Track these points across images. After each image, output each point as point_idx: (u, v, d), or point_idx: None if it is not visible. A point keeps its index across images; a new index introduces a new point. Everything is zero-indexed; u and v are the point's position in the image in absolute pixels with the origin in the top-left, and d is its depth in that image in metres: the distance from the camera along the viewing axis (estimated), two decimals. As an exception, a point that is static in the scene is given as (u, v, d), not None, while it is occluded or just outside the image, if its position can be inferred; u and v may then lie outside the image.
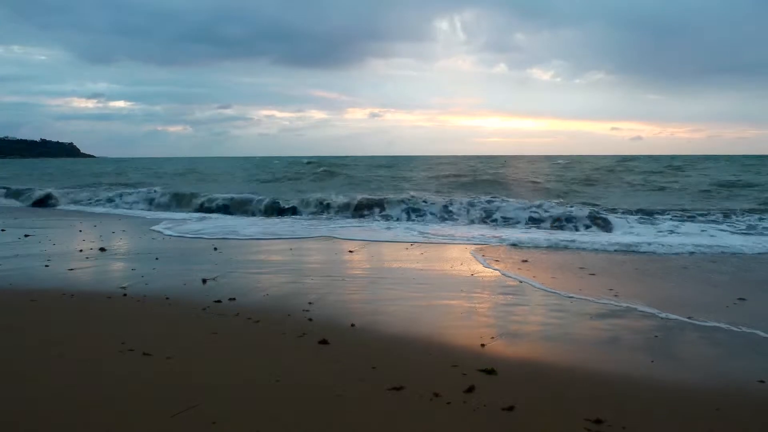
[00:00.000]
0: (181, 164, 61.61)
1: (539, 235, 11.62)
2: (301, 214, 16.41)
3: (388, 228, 13.21)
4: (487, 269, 7.99)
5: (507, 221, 14.01)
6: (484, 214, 14.61)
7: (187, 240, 11.21)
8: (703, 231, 12.19)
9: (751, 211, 14.97)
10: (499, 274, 7.66)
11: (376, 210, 15.88)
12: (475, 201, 15.75)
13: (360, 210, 16.05)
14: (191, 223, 14.35)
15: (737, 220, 13.70)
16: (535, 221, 13.74)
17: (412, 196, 16.57)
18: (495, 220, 14.21)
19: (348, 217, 15.64)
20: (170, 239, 11.26)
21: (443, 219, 14.72)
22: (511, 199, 16.11)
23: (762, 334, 4.93)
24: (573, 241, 10.60)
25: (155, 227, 13.09)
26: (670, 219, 13.96)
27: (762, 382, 3.86)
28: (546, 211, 14.08)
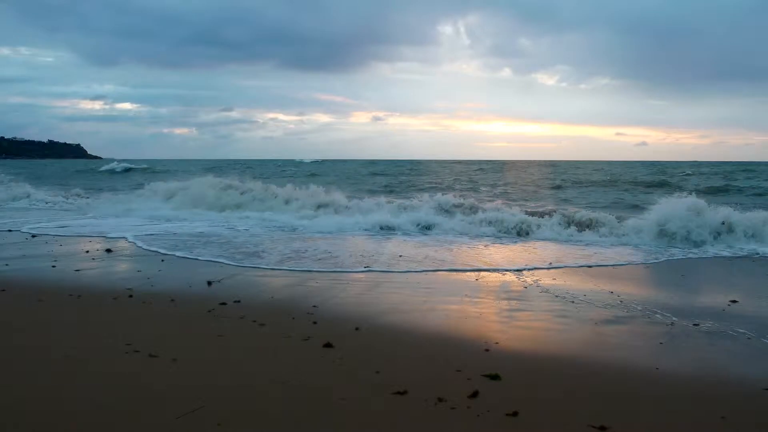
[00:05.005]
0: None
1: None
2: None
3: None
4: (491, 273, 7.98)
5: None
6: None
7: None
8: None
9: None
10: (504, 277, 7.66)
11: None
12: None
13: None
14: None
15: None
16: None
17: None
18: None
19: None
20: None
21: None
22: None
23: (765, 340, 4.91)
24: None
25: None
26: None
27: None
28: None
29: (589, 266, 8.70)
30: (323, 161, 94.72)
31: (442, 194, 15.66)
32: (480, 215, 13.38)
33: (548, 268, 8.44)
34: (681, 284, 7.61)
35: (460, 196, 16.35)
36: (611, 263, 9.01)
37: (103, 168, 52.13)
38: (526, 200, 21.48)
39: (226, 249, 9.94)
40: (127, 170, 49.89)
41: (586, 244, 11.07)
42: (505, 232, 12.32)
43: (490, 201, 17.67)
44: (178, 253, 9.38)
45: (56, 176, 43.85)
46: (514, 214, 13.21)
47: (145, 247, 10.04)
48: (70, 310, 5.78)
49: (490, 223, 12.81)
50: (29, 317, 5.47)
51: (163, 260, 8.77)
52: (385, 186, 30.66)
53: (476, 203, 14.88)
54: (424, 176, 41.30)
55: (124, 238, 11.12)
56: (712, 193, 23.86)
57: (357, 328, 5.14)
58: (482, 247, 10.81)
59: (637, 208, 17.65)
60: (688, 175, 39.81)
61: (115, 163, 55.59)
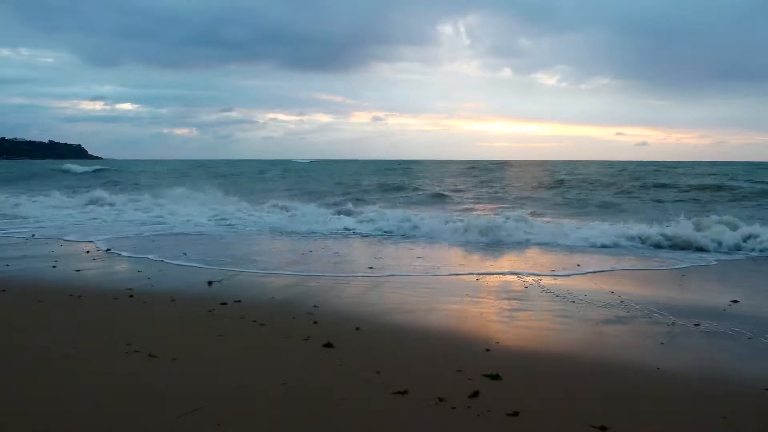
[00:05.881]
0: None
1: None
2: None
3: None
4: (491, 275, 7.98)
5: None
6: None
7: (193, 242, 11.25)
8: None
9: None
10: (505, 277, 7.65)
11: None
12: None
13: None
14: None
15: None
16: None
17: None
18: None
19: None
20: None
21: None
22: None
23: (765, 340, 4.90)
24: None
25: None
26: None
27: (768, 390, 3.83)
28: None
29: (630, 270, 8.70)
30: (313, 161, 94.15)
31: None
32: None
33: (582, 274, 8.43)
34: (681, 284, 7.60)
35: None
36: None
37: (63, 167, 49.36)
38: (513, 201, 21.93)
39: (208, 251, 9.94)
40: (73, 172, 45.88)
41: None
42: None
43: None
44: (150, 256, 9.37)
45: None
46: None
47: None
48: (70, 310, 5.78)
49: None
50: (29, 317, 5.47)
51: (163, 260, 8.77)
52: (367, 188, 29.06)
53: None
54: (409, 178, 39.43)
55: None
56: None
57: (357, 328, 5.14)
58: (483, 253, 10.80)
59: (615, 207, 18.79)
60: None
61: (78, 165, 53.09)
